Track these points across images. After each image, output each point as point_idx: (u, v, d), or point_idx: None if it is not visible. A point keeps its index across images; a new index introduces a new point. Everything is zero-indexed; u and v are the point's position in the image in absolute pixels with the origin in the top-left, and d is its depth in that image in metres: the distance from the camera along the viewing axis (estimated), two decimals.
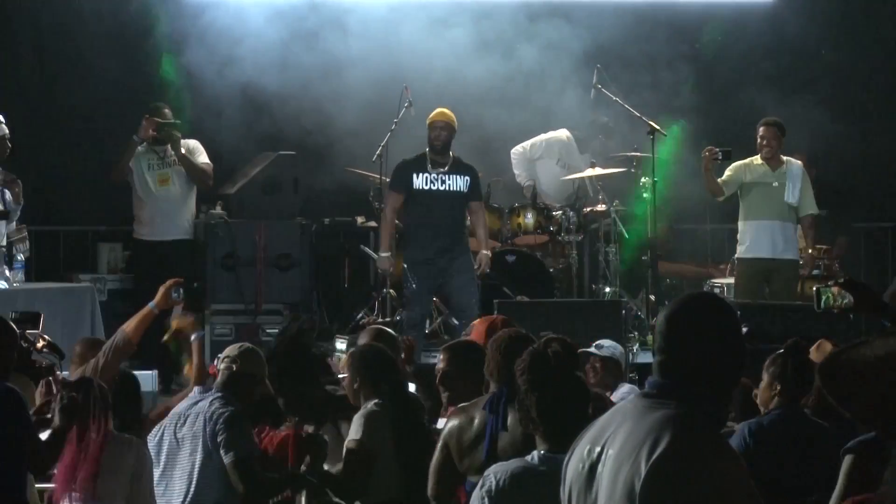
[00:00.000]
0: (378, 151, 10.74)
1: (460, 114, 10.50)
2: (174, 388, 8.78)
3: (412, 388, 6.30)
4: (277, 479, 5.74)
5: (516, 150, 11.56)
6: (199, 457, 5.71)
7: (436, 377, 5.78)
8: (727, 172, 10.11)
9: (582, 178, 11.30)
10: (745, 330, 5.39)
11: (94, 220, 11.67)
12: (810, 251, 10.32)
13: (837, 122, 11.62)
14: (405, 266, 10.28)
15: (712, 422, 3.16)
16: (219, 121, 11.07)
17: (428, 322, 10.65)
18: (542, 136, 11.55)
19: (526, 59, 11.53)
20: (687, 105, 11.61)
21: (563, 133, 11.56)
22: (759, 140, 10.12)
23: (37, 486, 5.73)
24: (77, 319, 9.35)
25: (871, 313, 5.33)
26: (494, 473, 4.33)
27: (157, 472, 5.84)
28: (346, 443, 5.63)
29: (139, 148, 10.39)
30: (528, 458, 4.33)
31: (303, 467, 5.69)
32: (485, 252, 10.24)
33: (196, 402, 5.83)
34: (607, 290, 11.02)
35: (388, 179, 10.93)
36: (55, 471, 5.59)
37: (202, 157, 10.50)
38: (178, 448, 5.78)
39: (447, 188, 10.19)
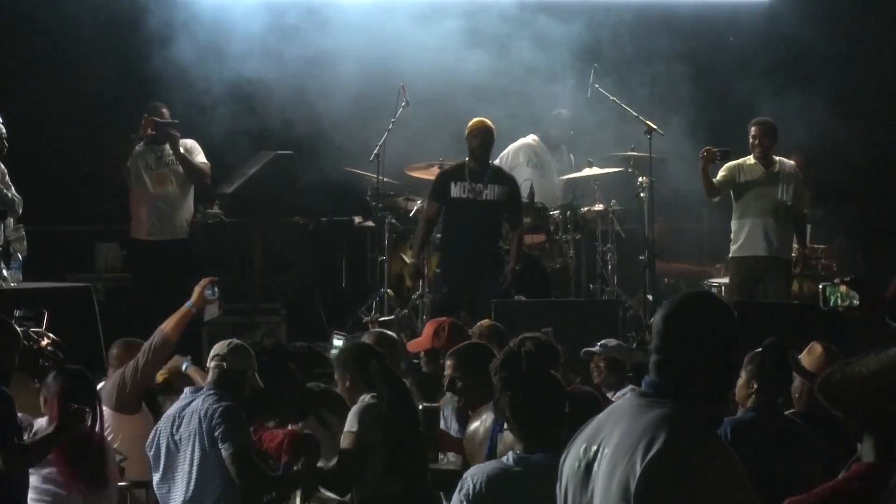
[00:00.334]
0: (375, 151, 10.75)
1: (456, 109, 10.51)
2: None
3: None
4: (276, 476, 5.75)
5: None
6: (197, 455, 5.72)
7: (444, 384, 5.81)
8: (721, 173, 10.14)
9: (571, 179, 11.36)
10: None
11: (92, 220, 11.66)
12: (803, 250, 10.34)
13: (837, 122, 11.63)
14: (436, 271, 10.32)
15: (708, 421, 3.17)
16: (208, 119, 11.04)
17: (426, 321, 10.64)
18: (510, 147, 11.57)
19: (520, 54, 11.54)
20: (684, 104, 11.61)
21: (529, 138, 11.61)
22: (751, 139, 10.16)
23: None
24: (75, 319, 9.34)
25: (877, 312, 5.33)
26: (471, 476, 4.36)
27: (156, 476, 5.85)
28: (342, 435, 5.63)
29: (137, 147, 10.39)
30: (504, 459, 4.38)
31: (296, 467, 5.71)
32: (513, 267, 10.10)
33: (189, 402, 5.84)
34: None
35: (385, 179, 10.95)
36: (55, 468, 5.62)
37: (200, 157, 10.49)
38: (176, 450, 5.79)
39: (484, 198, 10.18)
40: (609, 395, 7.01)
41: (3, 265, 9.15)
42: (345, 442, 5.58)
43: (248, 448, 5.69)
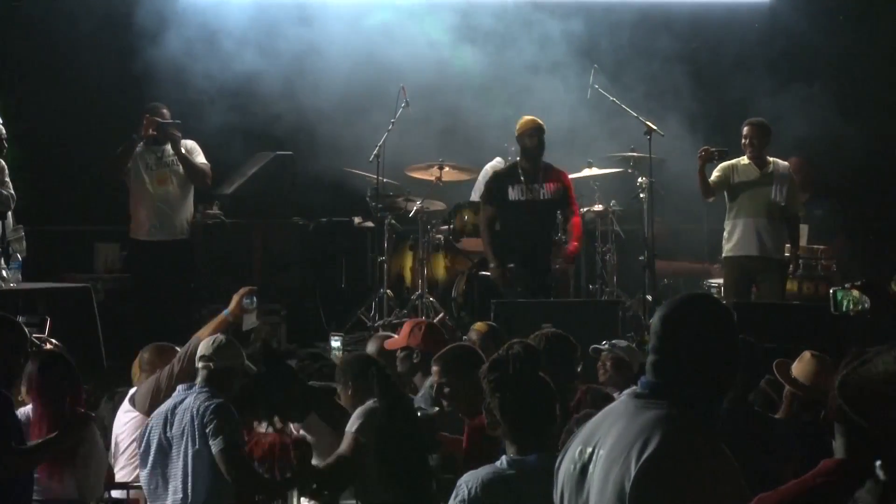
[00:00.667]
0: (375, 151, 10.75)
1: (454, 108, 10.51)
2: None
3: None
4: (267, 478, 5.76)
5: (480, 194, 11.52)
6: (190, 452, 5.73)
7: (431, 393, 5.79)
8: (715, 173, 10.15)
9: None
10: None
11: (91, 220, 11.66)
12: (796, 251, 10.35)
13: (837, 123, 11.63)
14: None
15: (704, 422, 3.16)
16: (200, 118, 11.03)
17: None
18: (481, 174, 11.52)
19: (520, 54, 11.54)
20: (684, 104, 11.61)
21: (495, 161, 11.54)
22: (742, 139, 10.19)
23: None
24: (74, 319, 9.34)
25: (888, 315, 5.32)
26: (466, 482, 4.36)
27: (144, 472, 5.86)
28: (345, 435, 5.63)
29: (137, 148, 10.38)
30: (498, 463, 4.38)
31: (287, 474, 5.73)
32: (569, 247, 10.19)
33: (182, 400, 5.85)
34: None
35: (385, 180, 10.94)
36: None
37: (200, 157, 10.49)
38: (168, 447, 5.79)
39: (542, 197, 10.20)
40: (615, 394, 7.01)
41: (2, 265, 9.16)
42: (342, 443, 5.58)
43: (239, 443, 5.70)
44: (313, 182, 11.43)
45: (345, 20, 11.51)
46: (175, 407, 5.83)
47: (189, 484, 5.72)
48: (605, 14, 11.97)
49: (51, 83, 11.76)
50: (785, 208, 10.16)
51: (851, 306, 5.16)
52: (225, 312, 6.81)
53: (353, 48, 11.30)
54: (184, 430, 5.74)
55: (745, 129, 10.18)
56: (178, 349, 6.55)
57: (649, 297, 10.58)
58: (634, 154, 11.13)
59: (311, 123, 11.20)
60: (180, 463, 5.76)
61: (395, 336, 6.97)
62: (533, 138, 10.11)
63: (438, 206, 11.34)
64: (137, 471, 6.02)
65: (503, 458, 4.37)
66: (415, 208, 10.98)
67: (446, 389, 5.68)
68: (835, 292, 5.23)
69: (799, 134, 11.31)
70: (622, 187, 11.46)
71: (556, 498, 3.31)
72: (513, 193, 10.14)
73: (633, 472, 3.03)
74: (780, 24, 12.48)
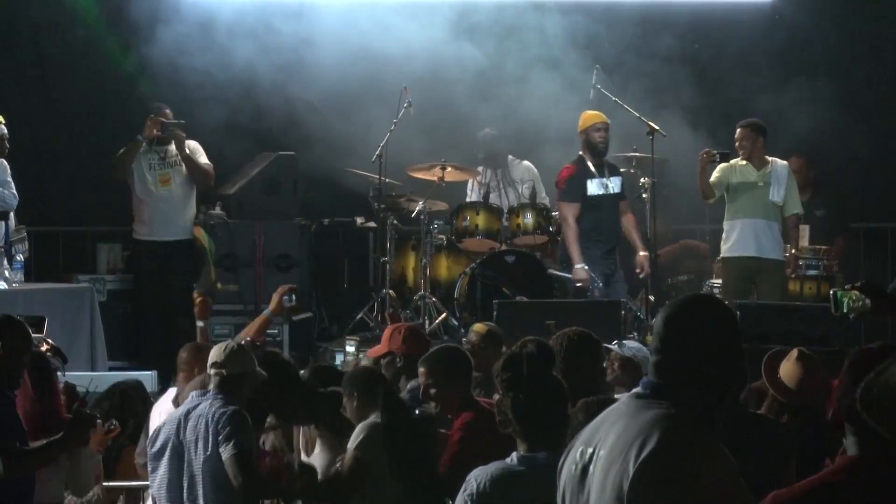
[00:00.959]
0: (378, 151, 10.75)
1: (455, 108, 10.51)
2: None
3: None
4: (274, 487, 5.76)
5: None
6: (202, 458, 5.72)
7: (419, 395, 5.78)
8: (714, 174, 10.17)
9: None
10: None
11: (94, 221, 11.66)
12: (794, 251, 10.36)
13: (837, 122, 11.62)
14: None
15: (703, 422, 3.16)
16: (198, 118, 11.03)
17: (427, 322, 10.64)
18: (522, 168, 11.51)
19: (519, 54, 11.55)
20: (686, 104, 11.60)
21: (487, 131, 11.49)
22: (735, 142, 10.22)
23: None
24: (76, 320, 9.36)
25: (889, 316, 5.31)
26: (475, 477, 4.38)
27: (156, 477, 5.85)
28: (348, 450, 5.61)
29: (140, 149, 10.39)
30: (508, 459, 4.40)
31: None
32: (643, 254, 10.43)
33: (196, 405, 5.83)
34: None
35: (388, 180, 10.93)
36: None
37: (202, 158, 10.50)
38: (182, 452, 5.78)
39: (611, 191, 10.39)
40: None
41: (5, 266, 9.17)
42: (346, 459, 5.57)
43: (250, 451, 5.69)
44: (315, 182, 11.43)
45: (343, 17, 11.50)
46: (189, 412, 5.82)
47: (198, 490, 5.72)
48: (607, 13, 11.96)
49: (51, 83, 11.77)
50: (784, 208, 10.17)
51: (852, 306, 5.16)
52: (266, 312, 7.16)
53: (352, 48, 11.29)
54: (197, 436, 5.73)
55: (738, 131, 10.23)
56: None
57: (651, 298, 10.58)
58: (637, 154, 11.12)
59: (311, 123, 11.19)
60: (191, 468, 5.75)
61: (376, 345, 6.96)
62: (600, 132, 10.35)
63: (441, 206, 11.33)
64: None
65: (513, 454, 4.40)
66: (417, 209, 10.98)
67: (432, 391, 5.67)
68: (835, 293, 5.24)
69: (801, 133, 11.30)
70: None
71: (559, 499, 3.31)
72: (591, 188, 10.24)
73: (631, 472, 3.04)
74: (781, 23, 12.47)
